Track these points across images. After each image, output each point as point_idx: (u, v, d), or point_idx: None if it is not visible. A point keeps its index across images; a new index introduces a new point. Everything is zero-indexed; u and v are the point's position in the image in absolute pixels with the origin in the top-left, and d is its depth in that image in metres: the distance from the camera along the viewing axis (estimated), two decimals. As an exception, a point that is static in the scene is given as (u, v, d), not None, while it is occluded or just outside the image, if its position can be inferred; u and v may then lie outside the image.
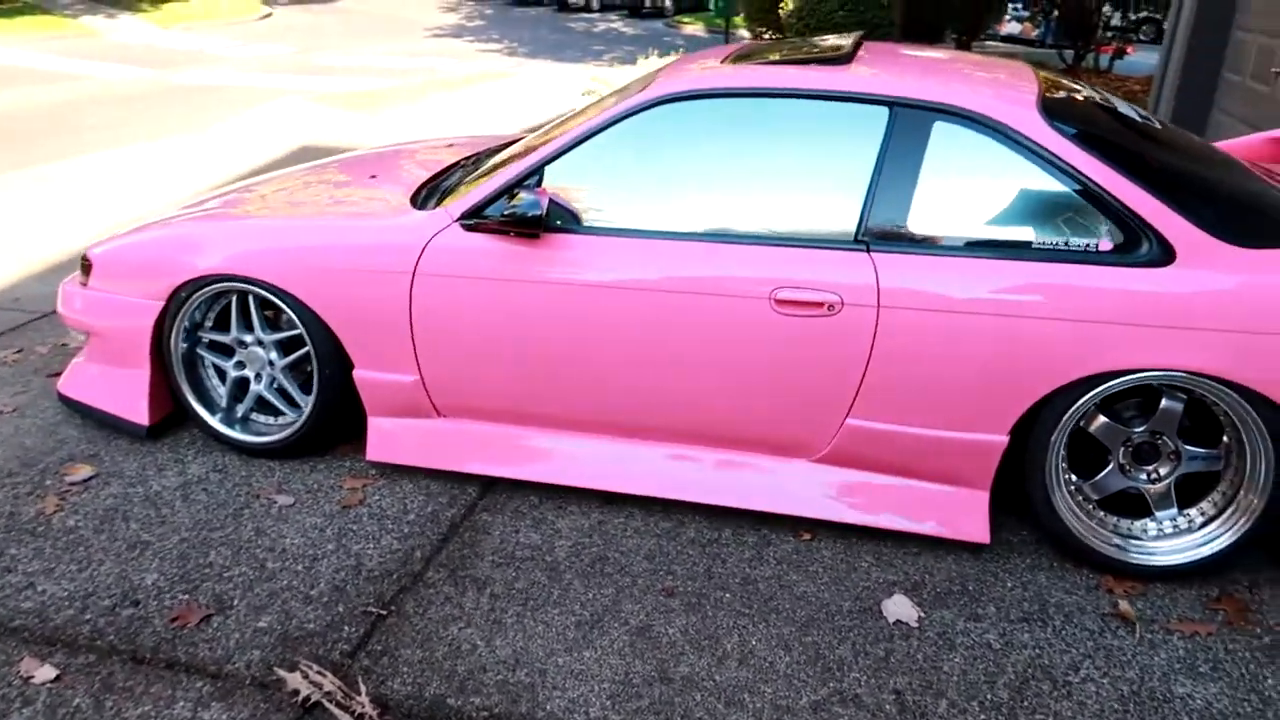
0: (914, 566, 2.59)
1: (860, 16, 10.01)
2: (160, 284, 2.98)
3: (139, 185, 6.58)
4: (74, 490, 2.93)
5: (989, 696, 2.15)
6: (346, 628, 2.36)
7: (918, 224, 2.48)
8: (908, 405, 2.53)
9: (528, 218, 2.58)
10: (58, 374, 3.66)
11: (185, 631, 2.34)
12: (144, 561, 2.60)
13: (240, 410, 3.15)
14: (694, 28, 23.87)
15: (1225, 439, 2.47)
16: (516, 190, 2.68)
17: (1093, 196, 2.39)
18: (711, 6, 15.23)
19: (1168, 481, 2.53)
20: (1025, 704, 2.13)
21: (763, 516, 2.81)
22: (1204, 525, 2.51)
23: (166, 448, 3.17)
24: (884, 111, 2.54)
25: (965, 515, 2.61)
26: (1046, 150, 2.43)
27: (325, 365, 2.94)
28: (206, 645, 2.30)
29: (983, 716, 2.09)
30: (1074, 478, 2.58)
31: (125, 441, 3.21)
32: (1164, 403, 2.45)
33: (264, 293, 2.89)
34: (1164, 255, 2.35)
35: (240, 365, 3.12)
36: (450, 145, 3.86)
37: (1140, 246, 2.36)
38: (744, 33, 13.72)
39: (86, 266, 3.14)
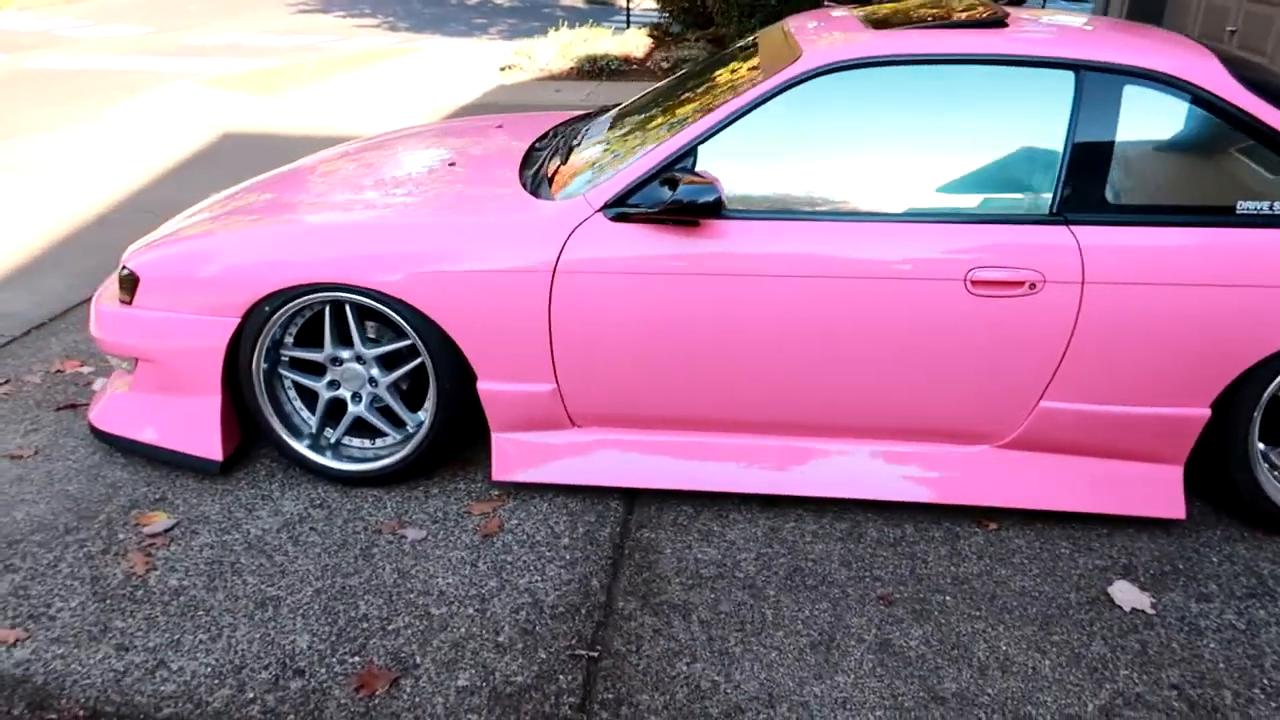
0: (1114, 548, 2.51)
1: (785, -17, 9.92)
2: (236, 297, 2.58)
3: (55, 181, 5.86)
4: (158, 543, 2.51)
5: (1266, 681, 2.08)
6: (561, 677, 2.09)
7: (1116, 193, 2.37)
8: (1108, 383, 2.43)
9: (698, 204, 2.33)
10: (70, 406, 3.17)
11: (376, 700, 2.02)
12: (284, 621, 2.24)
13: (333, 435, 2.78)
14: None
15: None
16: (670, 175, 2.42)
17: (1296, 159, 2.33)
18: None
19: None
20: (1302, 685, 2.07)
21: (940, 508, 2.66)
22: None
23: (245, 484, 2.78)
24: (1069, 76, 2.40)
25: (1161, 492, 2.54)
26: (1244, 111, 2.35)
27: (444, 379, 2.61)
28: (411, 715, 1.99)
29: (1273, 704, 2.02)
30: (1262, 446, 2.54)
31: (192, 480, 2.79)
32: None
33: (369, 302, 2.53)
34: (1363, 217, 2.31)
35: (333, 385, 2.74)
36: (500, 126, 3.52)
37: (1340, 208, 2.32)
38: (653, 5, 13.46)
39: (130, 282, 2.70)
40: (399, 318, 2.55)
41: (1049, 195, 2.38)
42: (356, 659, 2.13)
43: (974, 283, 2.36)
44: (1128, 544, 2.53)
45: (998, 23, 2.57)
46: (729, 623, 2.25)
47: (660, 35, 12.02)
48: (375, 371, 2.71)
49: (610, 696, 2.04)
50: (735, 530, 2.58)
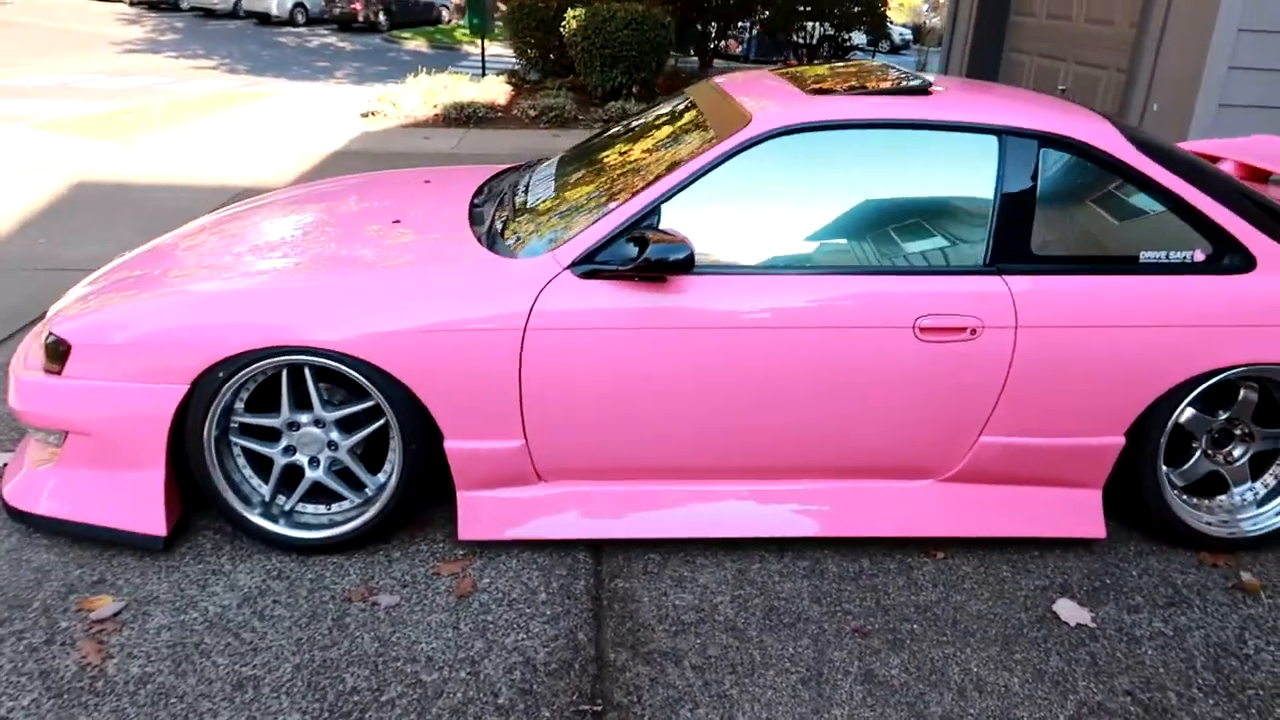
0: (1048, 569, 2.73)
1: (643, 35, 10.26)
2: (185, 363, 2.48)
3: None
4: (108, 628, 2.37)
5: (1201, 681, 2.32)
6: (570, 733, 2.10)
7: (1039, 245, 2.61)
8: (1038, 418, 2.66)
9: (670, 262, 2.42)
10: (-28, 485, 2.93)
11: (386, 775, 1.98)
12: (268, 701, 2.16)
13: (288, 503, 2.69)
14: (415, 43, 23.29)
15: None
16: (638, 232, 2.51)
17: (1186, 213, 2.64)
18: (466, 25, 14.91)
19: (1243, 461, 2.85)
20: (1231, 682, 2.32)
21: (889, 541, 2.83)
22: (1272, 495, 2.86)
23: (190, 559, 2.65)
24: (993, 140, 2.65)
25: (1084, 514, 2.79)
26: (1142, 173, 2.65)
27: (410, 440, 2.59)
28: (426, 786, 1.96)
29: (1210, 701, 2.25)
30: (1164, 468, 2.84)
31: (132, 559, 2.64)
32: (1243, 393, 2.76)
33: (331, 363, 2.49)
34: (1246, 264, 2.64)
35: (289, 450, 2.66)
36: (427, 180, 3.52)
37: (1226, 257, 2.65)
38: (502, 50, 13.55)
39: (59, 350, 2.55)
40: (364, 380, 2.52)
41: (982, 247, 2.60)
42: (354, 734, 2.08)
43: (922, 329, 2.55)
44: (1059, 564, 2.76)
45: (923, 90, 2.80)
46: (720, 666, 2.32)
47: (519, 83, 12.15)
48: (335, 435, 2.65)
49: (622, 749, 2.07)
50: (705, 574, 2.66)
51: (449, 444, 2.59)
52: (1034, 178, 2.63)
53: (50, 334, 2.58)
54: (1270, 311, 2.61)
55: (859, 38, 17.62)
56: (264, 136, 9.00)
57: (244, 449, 2.68)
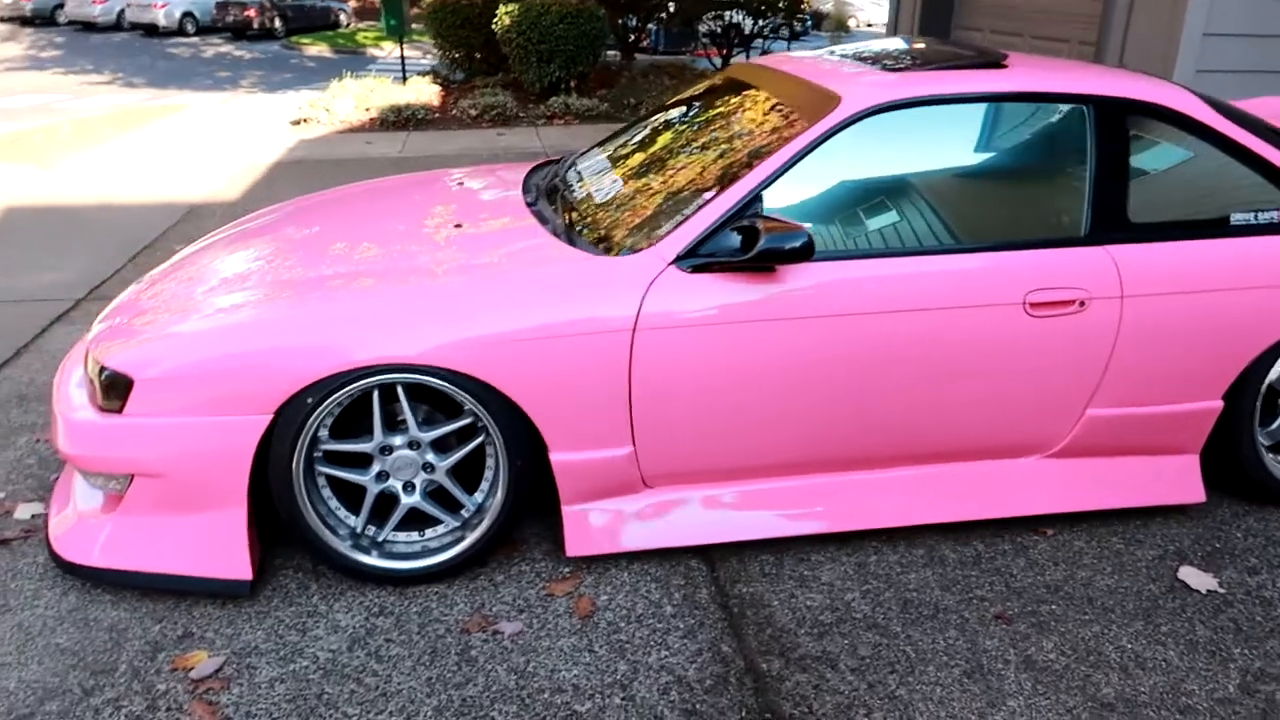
0: (1158, 538, 2.73)
1: (579, 29, 10.09)
2: (268, 390, 2.27)
3: None
4: (215, 687, 2.15)
5: (1345, 635, 2.33)
6: (752, 752, 1.99)
7: (1135, 213, 2.60)
8: (1142, 387, 2.65)
9: (788, 250, 2.32)
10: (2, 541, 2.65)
11: (576, 819, 1.83)
12: (419, 750, 1.98)
13: (381, 532, 2.50)
14: (317, 49, 22.58)
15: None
16: (743, 222, 2.40)
17: (1267, 172, 2.66)
18: (383, 27, 14.46)
19: (1323, 415, 2.90)
20: (1372, 634, 2.34)
21: (994, 522, 2.78)
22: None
23: (279, 602, 2.44)
24: (1083, 110, 2.62)
25: (1184, 480, 2.79)
26: (1224, 135, 2.66)
27: (515, 455, 2.43)
28: (623, 826, 1.82)
29: (1361, 654, 2.27)
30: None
31: (213, 607, 2.41)
32: None
33: (428, 380, 2.32)
34: (1324, 219, 2.68)
35: (381, 477, 2.47)
36: (461, 183, 3.33)
37: (1307, 216, 2.67)
38: (411, 52, 13.09)
39: (118, 385, 2.31)
40: (465, 395, 2.35)
41: (1083, 218, 2.57)
42: (526, 777, 1.92)
43: (1031, 304, 2.50)
44: (1164, 532, 2.75)
45: (997, 63, 2.75)
46: (877, 666, 2.23)
47: (445, 83, 11.84)
48: (431, 456, 2.47)
49: (813, 763, 1.96)
50: (826, 571, 2.57)
51: (555, 456, 2.44)
52: (1126, 146, 2.61)
53: (103, 369, 2.33)
54: (1347, 266, 2.65)
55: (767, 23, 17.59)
56: (196, 150, 8.54)
57: (329, 478, 2.47)
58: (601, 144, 3.35)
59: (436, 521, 2.55)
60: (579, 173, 3.11)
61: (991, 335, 2.50)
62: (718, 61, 14.18)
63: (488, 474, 2.52)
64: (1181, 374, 2.65)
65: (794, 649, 2.28)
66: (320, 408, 2.31)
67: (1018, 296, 2.50)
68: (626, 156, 3.03)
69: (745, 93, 3.01)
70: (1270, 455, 2.85)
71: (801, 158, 2.48)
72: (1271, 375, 2.74)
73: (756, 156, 2.53)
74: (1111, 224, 2.58)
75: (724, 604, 2.44)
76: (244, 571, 2.39)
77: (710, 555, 2.63)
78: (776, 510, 2.60)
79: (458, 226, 2.77)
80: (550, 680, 2.18)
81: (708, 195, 2.49)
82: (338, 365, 2.27)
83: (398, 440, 2.44)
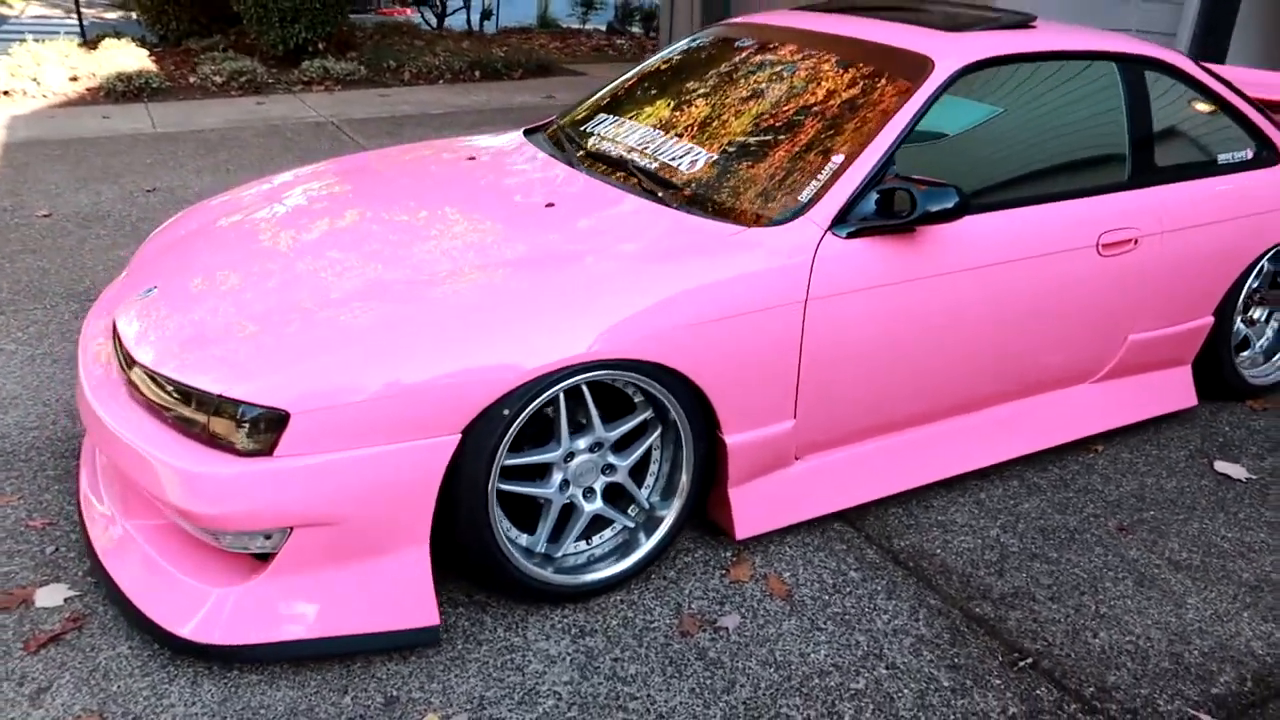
0: (1175, 440, 3.14)
1: (325, -11, 9.29)
2: (456, 405, 2.00)
3: None
4: (474, 751, 1.89)
5: (1359, 497, 2.86)
6: (1040, 691, 2.09)
7: (1161, 158, 2.94)
8: (1166, 311, 3.02)
9: (946, 210, 2.38)
10: (56, 637, 2.12)
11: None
12: (743, 763, 1.88)
13: (561, 546, 2.29)
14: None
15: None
16: (888, 184, 2.43)
17: (1241, 121, 3.12)
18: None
19: (1261, 321, 3.45)
20: (1371, 493, 2.88)
21: (1054, 448, 3.05)
22: None
23: (465, 644, 2.17)
24: (1113, 66, 2.91)
25: (1182, 388, 3.23)
26: (1210, 88, 3.07)
27: (700, 443, 2.32)
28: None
29: (1379, 510, 2.79)
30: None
31: (394, 664, 2.10)
32: (1265, 265, 3.33)
33: (624, 375, 2.15)
34: (1276, 159, 3.19)
35: (563, 486, 2.25)
36: (471, 158, 3.04)
37: (1265, 154, 3.17)
38: (47, 11, 11.29)
39: (265, 423, 1.92)
40: (656, 387, 2.20)
41: (1125, 165, 2.86)
42: (864, 763, 1.89)
43: (1103, 245, 2.77)
44: (1178, 434, 3.18)
45: (1027, 24, 2.97)
46: (1067, 591, 2.40)
47: (152, 47, 10.45)
48: (612, 457, 2.28)
49: (1090, 681, 2.09)
50: (956, 514, 2.71)
51: (730, 438, 2.36)
52: (1147, 99, 2.93)
53: (240, 405, 1.92)
54: (1298, 194, 3.18)
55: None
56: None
57: (502, 494, 2.21)
58: (610, 106, 3.17)
59: (602, 528, 2.37)
60: (622, 139, 2.93)
61: (1078, 275, 2.74)
62: (423, 19, 13.63)
63: (653, 468, 2.38)
64: (1192, 296, 3.05)
65: (989, 590, 2.40)
66: (518, 419, 2.06)
67: (1093, 239, 2.74)
68: (678, 121, 2.90)
69: (786, 51, 2.99)
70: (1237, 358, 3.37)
71: (920, 118, 2.54)
72: (1243, 291, 3.22)
73: (868, 119, 2.55)
74: (1145, 169, 2.89)
75: (897, 560, 2.50)
76: (431, 617, 2.09)
77: (847, 517, 2.67)
78: (909, 462, 2.69)
79: (549, 205, 2.54)
80: (808, 665, 2.13)
81: (836, 160, 2.48)
82: (538, 368, 2.03)
83: (581, 443, 2.23)
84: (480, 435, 2.03)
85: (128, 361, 2.21)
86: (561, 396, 2.14)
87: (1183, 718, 2.02)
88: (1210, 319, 3.15)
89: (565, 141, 3.06)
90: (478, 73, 9.61)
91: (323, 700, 1.98)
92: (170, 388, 2.02)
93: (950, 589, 2.39)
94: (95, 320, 2.55)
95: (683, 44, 3.40)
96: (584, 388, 2.16)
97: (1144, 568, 2.50)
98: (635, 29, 15.71)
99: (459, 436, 2.01)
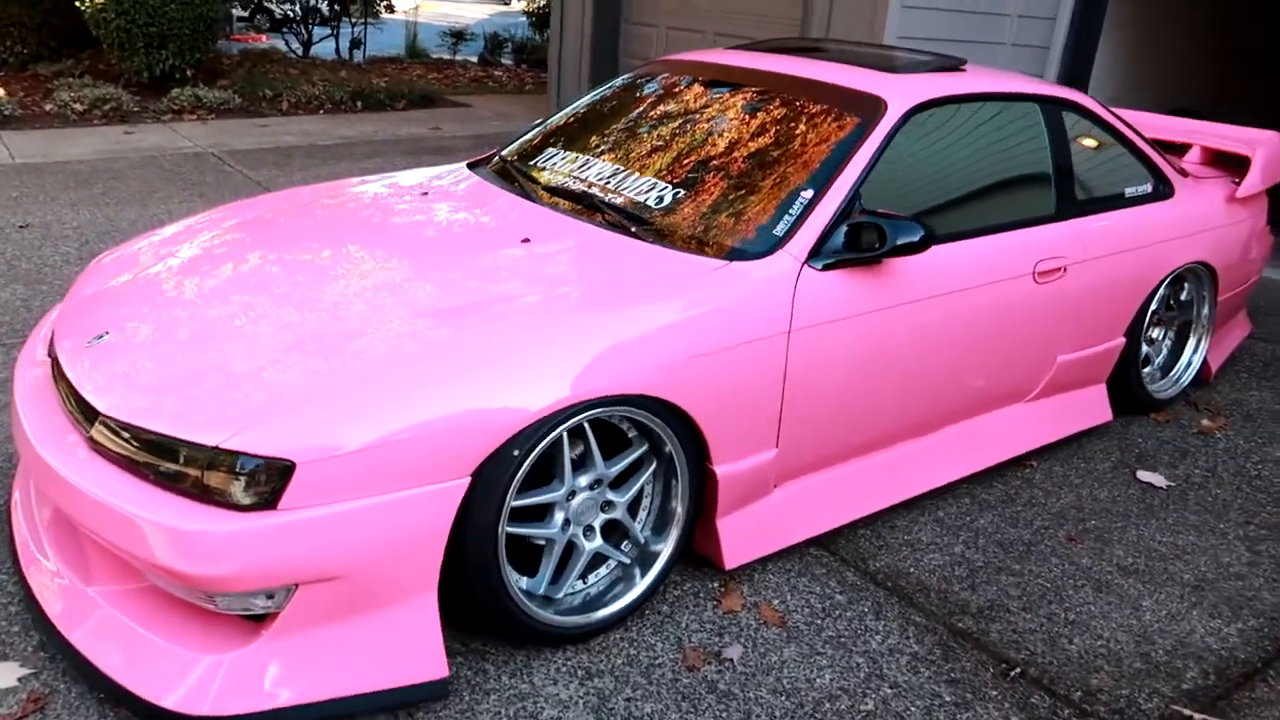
0: (1096, 454, 3.37)
1: (195, 10, 8.87)
2: (465, 447, 1.95)
3: None
4: (505, 804, 1.84)
5: (1256, 481, 3.12)
6: (1031, 696, 2.20)
7: (1079, 192, 3.17)
8: (1087, 333, 3.25)
9: (913, 243, 2.48)
10: (28, 720, 1.95)
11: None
12: (775, 793, 1.91)
13: (561, 587, 2.26)
14: None
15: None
16: (855, 219, 2.53)
17: (1141, 158, 3.40)
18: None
19: (1160, 339, 3.75)
20: (1256, 477, 3.16)
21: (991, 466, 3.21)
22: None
23: (471, 693, 2.11)
24: (1036, 107, 3.12)
25: (1099, 405, 3.46)
26: (1114, 126, 3.34)
27: (694, 475, 2.35)
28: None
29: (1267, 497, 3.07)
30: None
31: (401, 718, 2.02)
32: (1185, 285, 3.62)
33: (625, 412, 2.17)
34: (1169, 192, 3.49)
35: (564, 525, 2.23)
36: (425, 193, 2.99)
37: (1160, 188, 3.46)
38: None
39: (272, 472, 1.84)
40: (654, 420, 2.22)
41: (1053, 198, 3.08)
42: (889, 783, 1.94)
43: (1039, 274, 2.96)
44: (1099, 447, 3.41)
45: (957, 67, 3.15)
46: (1036, 601, 2.54)
47: None
48: (610, 494, 2.28)
49: (1076, 686, 2.22)
50: (919, 533, 2.82)
51: (720, 469, 2.39)
52: (1065, 137, 3.16)
53: (239, 456, 1.82)
54: (1188, 224, 3.48)
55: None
56: None
57: (507, 538, 2.17)
58: (557, 141, 3.17)
59: (596, 567, 2.35)
60: (580, 174, 2.93)
61: (1019, 301, 2.91)
62: (287, 46, 13.25)
63: (645, 503, 2.39)
64: (1108, 318, 3.29)
65: (966, 605, 2.50)
66: (528, 460, 2.03)
67: (1030, 267, 2.93)
68: (639, 157, 2.92)
69: (733, 89, 3.06)
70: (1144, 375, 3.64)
71: (880, 155, 2.66)
72: (1148, 314, 3.49)
73: (831, 156, 2.65)
74: (1068, 202, 3.11)
75: (876, 581, 2.58)
76: (440, 668, 2.02)
77: (821, 542, 2.74)
78: (878, 483, 2.79)
79: (525, 241, 2.53)
80: (817, 690, 2.17)
81: (806, 195, 2.56)
82: (547, 407, 2.01)
83: (583, 481, 2.21)
84: (490, 477, 1.99)
85: (87, 414, 2.05)
86: (564, 435, 2.12)
87: (1164, 714, 2.16)
88: (1123, 340, 3.40)
89: (518, 176, 3.04)
90: (359, 103, 9.40)
91: (334, 765, 1.89)
92: (143, 441, 1.89)
93: (931, 606, 2.48)
94: (27, 366, 2.36)
95: (621, 80, 3.44)
96: (586, 425, 2.15)
97: (1097, 574, 2.66)
98: (506, 60, 15.69)
99: (469, 480, 1.96)
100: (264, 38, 16.71)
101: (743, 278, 2.36)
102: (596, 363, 2.07)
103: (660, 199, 2.69)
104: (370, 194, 3.00)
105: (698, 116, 3.00)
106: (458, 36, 16.29)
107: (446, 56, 15.37)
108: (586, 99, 3.46)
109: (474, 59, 15.68)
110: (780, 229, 2.50)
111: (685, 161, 2.81)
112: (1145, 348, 3.67)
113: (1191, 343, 3.81)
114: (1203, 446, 3.46)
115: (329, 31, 13.86)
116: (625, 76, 3.48)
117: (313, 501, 1.83)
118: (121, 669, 1.94)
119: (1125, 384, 3.54)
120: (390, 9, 16.10)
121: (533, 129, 3.41)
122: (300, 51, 13.80)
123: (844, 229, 2.51)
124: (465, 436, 1.93)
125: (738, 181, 2.68)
